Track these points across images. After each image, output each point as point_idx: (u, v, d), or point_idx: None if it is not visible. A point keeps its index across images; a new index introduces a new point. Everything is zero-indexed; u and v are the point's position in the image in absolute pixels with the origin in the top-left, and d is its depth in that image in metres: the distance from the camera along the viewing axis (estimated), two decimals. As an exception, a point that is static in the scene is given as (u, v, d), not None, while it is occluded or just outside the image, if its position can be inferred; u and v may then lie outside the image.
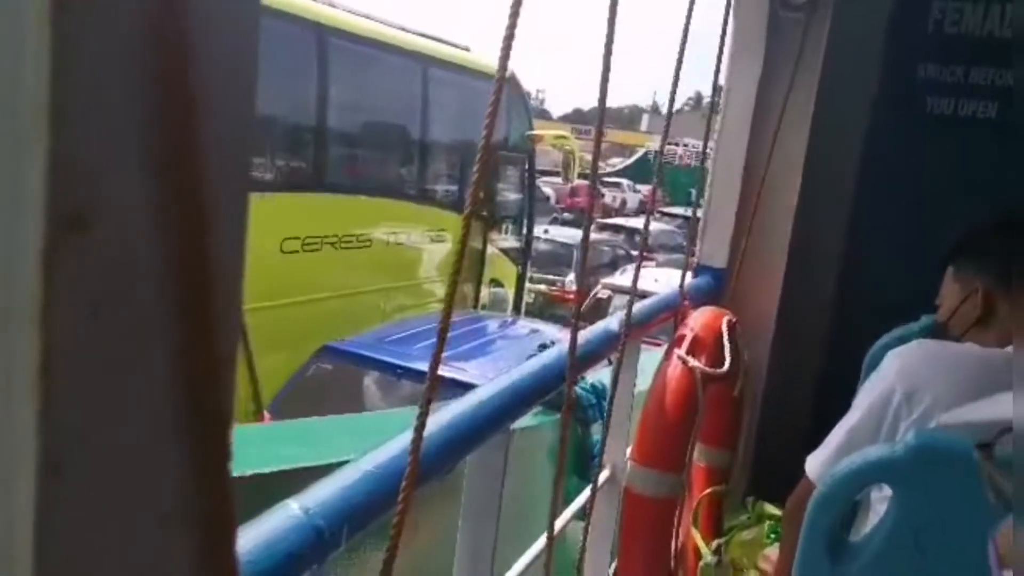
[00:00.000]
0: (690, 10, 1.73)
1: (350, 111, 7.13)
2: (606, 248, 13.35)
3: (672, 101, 1.89)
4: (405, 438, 0.98)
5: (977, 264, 1.50)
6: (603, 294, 9.21)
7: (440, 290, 7.86)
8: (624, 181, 29.73)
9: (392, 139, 7.86)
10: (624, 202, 27.66)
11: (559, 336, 5.37)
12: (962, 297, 1.50)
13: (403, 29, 7.56)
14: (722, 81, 2.65)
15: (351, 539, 0.89)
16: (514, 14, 0.81)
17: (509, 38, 0.82)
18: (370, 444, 1.00)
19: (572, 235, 13.06)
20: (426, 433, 0.88)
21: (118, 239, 0.29)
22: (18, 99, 0.27)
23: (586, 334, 1.68)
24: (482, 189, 1.00)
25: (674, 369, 2.04)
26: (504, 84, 0.87)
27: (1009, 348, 1.32)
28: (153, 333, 0.30)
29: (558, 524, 1.63)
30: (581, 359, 1.55)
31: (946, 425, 1.17)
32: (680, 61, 1.74)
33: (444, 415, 1.14)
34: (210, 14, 0.32)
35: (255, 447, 1.84)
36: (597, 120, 1.19)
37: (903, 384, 1.30)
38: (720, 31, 2.28)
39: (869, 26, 2.64)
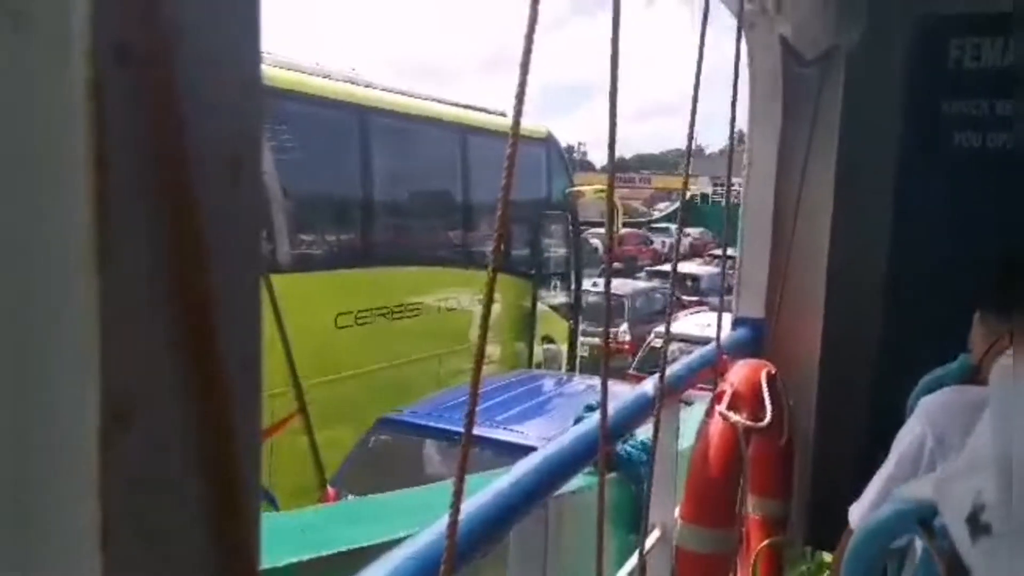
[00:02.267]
0: (700, 58, 1.78)
1: (393, 184, 7.36)
2: (657, 295, 13.30)
3: (690, 146, 1.95)
4: (442, 523, 1.04)
5: (1002, 307, 1.52)
6: (657, 343, 9.17)
7: (495, 351, 7.94)
8: (672, 226, 29.66)
9: (436, 208, 8.06)
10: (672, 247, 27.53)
11: (614, 392, 5.36)
12: (991, 341, 1.52)
13: (439, 101, 7.82)
14: (742, 127, 2.71)
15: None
16: (524, 74, 0.87)
17: (520, 96, 0.88)
18: (424, 519, 1.06)
19: (621, 285, 13.06)
20: (463, 516, 0.94)
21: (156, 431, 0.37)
22: (71, 324, 0.36)
23: (618, 402, 1.73)
24: (503, 244, 1.05)
25: (715, 426, 2.07)
26: (517, 140, 0.89)
27: None
28: (187, 504, 0.39)
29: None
30: (617, 427, 1.60)
31: None
32: (694, 108, 1.80)
33: (481, 497, 1.20)
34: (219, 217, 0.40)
35: (317, 530, 1.92)
36: (608, 169, 1.26)
37: (933, 431, 1.32)
38: (732, 84, 2.35)
39: (886, 69, 2.68)
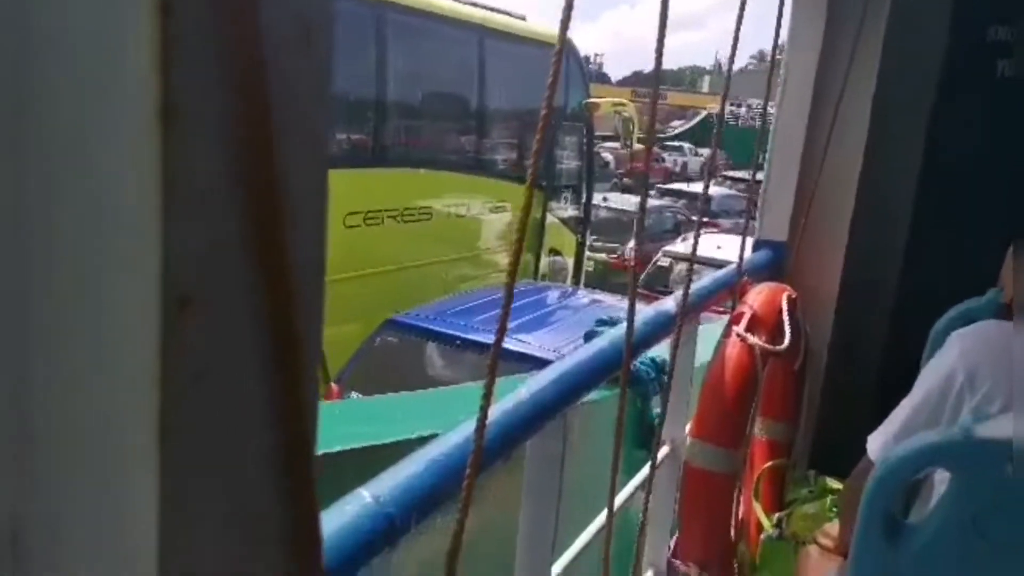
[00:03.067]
0: None
1: (408, 85, 7.19)
2: (667, 214, 13.21)
3: (732, 60, 1.88)
4: (468, 426, 1.03)
5: None
6: (663, 262, 9.15)
7: (502, 260, 7.92)
8: (685, 145, 29.25)
9: (450, 112, 7.90)
10: (685, 166, 27.24)
11: (619, 307, 5.37)
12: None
13: (458, 0, 7.56)
14: (783, 40, 2.60)
15: (419, 524, 0.95)
16: None
17: (569, 4, 0.83)
18: (433, 422, 1.05)
19: (632, 202, 12.93)
20: (487, 423, 0.93)
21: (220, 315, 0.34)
22: (133, 200, 0.32)
23: (641, 316, 1.71)
24: (543, 159, 1.01)
25: (733, 347, 2.05)
26: (564, 52, 0.85)
27: None
28: (252, 391, 0.36)
29: (619, 499, 1.68)
30: (638, 342, 1.58)
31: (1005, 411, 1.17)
32: (740, 18, 1.72)
33: (505, 403, 1.19)
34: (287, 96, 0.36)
35: (324, 426, 1.91)
36: (654, 82, 1.21)
37: (965, 365, 1.30)
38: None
39: None
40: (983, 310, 1.76)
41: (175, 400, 0.33)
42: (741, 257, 2.23)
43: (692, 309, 1.79)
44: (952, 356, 1.34)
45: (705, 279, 2.19)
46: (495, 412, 1.14)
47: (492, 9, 7.94)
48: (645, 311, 1.77)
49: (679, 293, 1.78)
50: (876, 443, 1.45)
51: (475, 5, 7.73)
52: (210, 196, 0.33)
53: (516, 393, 1.22)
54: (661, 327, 1.75)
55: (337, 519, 0.84)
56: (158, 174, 0.31)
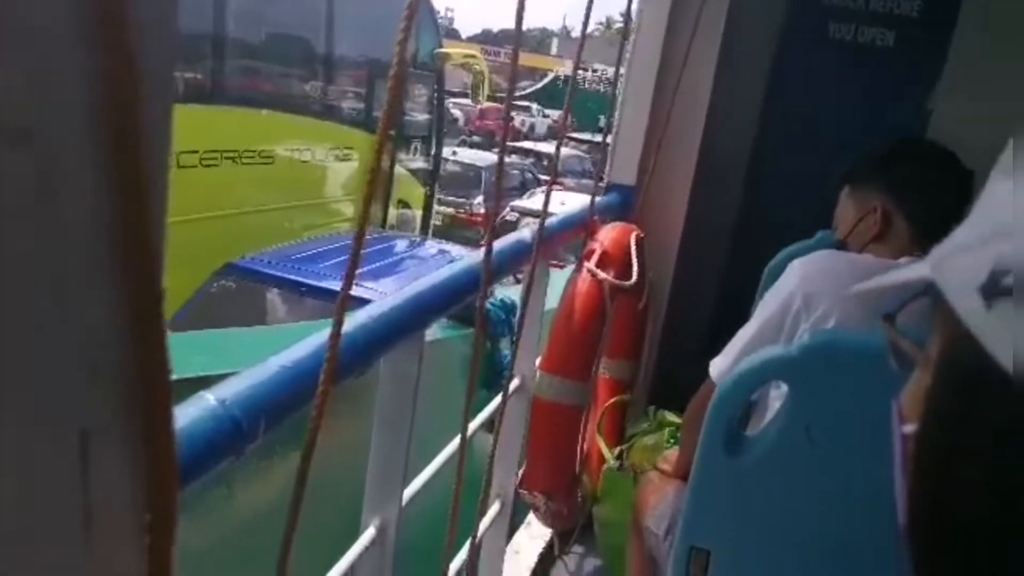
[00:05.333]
0: None
1: (251, 20, 6.78)
2: (514, 172, 13.32)
3: (585, 24, 1.87)
4: (321, 337, 0.98)
5: (874, 183, 1.56)
6: (511, 216, 9.23)
7: (347, 209, 7.71)
8: (533, 105, 29.53)
9: (295, 52, 7.54)
10: (532, 127, 27.55)
11: (468, 256, 5.37)
12: (859, 216, 1.57)
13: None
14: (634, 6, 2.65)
15: (268, 432, 0.89)
16: None
17: None
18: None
19: (480, 157, 12.96)
20: (342, 332, 0.88)
21: None
22: None
23: (499, 244, 1.69)
24: (398, 107, 0.95)
25: (584, 282, 2.08)
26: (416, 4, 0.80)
27: (903, 259, 1.41)
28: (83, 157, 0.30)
29: (471, 428, 1.67)
30: (495, 269, 1.56)
31: (845, 321, 1.25)
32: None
33: (360, 316, 1.14)
34: None
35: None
36: (515, 39, 1.17)
37: (803, 289, 1.36)
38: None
39: None
40: (813, 249, 1.86)
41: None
42: (594, 196, 2.26)
43: (547, 240, 1.79)
44: (791, 281, 1.40)
45: (558, 216, 2.20)
46: (350, 324, 1.09)
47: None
48: (502, 240, 1.76)
49: (535, 225, 1.78)
50: (718, 367, 1.51)
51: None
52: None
53: (372, 306, 1.17)
54: (518, 255, 1.74)
55: (177, 418, 0.76)
56: None
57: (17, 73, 0.27)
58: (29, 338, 0.30)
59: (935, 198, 1.45)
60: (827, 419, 1.21)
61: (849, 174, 1.66)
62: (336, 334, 0.88)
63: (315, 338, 1.00)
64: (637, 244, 2.23)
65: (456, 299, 1.43)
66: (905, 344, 0.46)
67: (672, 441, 2.35)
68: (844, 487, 1.20)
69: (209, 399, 0.82)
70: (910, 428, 0.44)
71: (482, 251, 1.34)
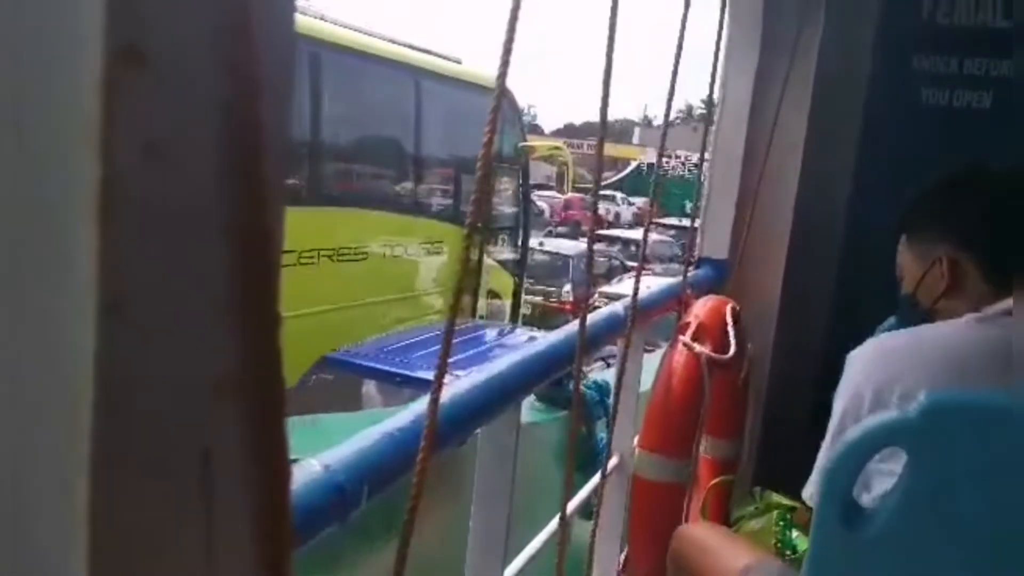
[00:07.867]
0: (684, 19, 1.71)
1: (344, 125, 7.15)
2: (601, 259, 13.37)
3: (668, 111, 1.88)
4: (421, 406, 0.98)
5: (934, 230, 1.38)
6: (600, 303, 9.22)
7: (438, 302, 7.86)
8: (617, 194, 29.82)
9: (387, 153, 7.88)
10: (618, 215, 27.74)
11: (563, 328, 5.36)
12: (923, 270, 1.39)
13: (394, 42, 7.61)
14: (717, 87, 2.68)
15: (371, 499, 0.88)
16: (512, 20, 0.77)
17: (508, 45, 0.78)
18: None
19: (567, 246, 13.07)
20: (440, 403, 0.87)
21: (175, 73, 0.29)
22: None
23: (593, 317, 1.68)
24: (485, 201, 0.98)
25: (680, 355, 2.04)
26: (503, 93, 0.82)
27: (965, 319, 1.26)
28: (207, 174, 0.31)
29: (570, 507, 1.63)
30: (589, 340, 1.55)
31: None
32: (675, 71, 1.73)
33: (457, 387, 1.14)
34: None
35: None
36: (599, 126, 1.17)
37: (870, 384, 1.26)
38: (716, 37, 2.30)
39: (862, 20, 2.67)
40: (894, 324, 1.74)
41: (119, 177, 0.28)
42: (686, 268, 2.23)
43: (641, 313, 1.77)
44: (854, 379, 1.26)
45: (652, 290, 2.18)
46: (447, 395, 1.09)
47: (428, 51, 8.01)
48: (596, 313, 1.75)
49: (628, 299, 1.77)
50: (808, 492, 1.36)
51: (411, 47, 7.79)
52: None
53: (471, 376, 1.17)
54: (612, 327, 1.73)
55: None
56: None
57: None
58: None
59: (1008, 234, 1.28)
60: (955, 481, 1.13)
61: (904, 222, 1.48)
62: (435, 400, 0.89)
63: (416, 406, 1.01)
64: (733, 316, 2.17)
65: (551, 370, 1.42)
66: None
67: (781, 524, 2.23)
68: (981, 556, 1.11)
69: (314, 464, 0.83)
70: None
71: (576, 323, 1.33)
